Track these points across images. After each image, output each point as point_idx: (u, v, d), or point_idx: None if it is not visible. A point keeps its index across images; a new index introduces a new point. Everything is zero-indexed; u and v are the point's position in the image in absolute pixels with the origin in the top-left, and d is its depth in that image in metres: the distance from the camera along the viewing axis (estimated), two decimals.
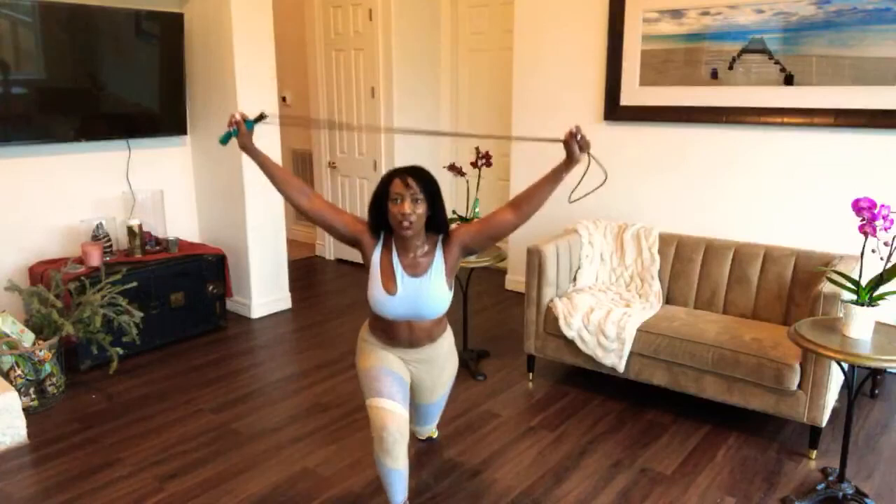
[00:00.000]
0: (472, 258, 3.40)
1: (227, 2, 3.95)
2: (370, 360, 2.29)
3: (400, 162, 5.00)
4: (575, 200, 2.23)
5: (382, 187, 2.13)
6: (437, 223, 2.17)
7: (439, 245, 2.20)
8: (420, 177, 2.09)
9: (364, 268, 2.22)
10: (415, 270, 2.17)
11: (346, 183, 5.57)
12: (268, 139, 4.25)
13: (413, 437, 2.77)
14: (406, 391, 2.27)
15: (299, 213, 2.21)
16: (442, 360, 2.38)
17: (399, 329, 2.24)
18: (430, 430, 2.76)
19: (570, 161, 2.07)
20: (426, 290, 2.16)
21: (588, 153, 2.07)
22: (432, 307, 2.19)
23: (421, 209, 2.08)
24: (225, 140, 2.21)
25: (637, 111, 3.97)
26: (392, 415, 2.12)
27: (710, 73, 3.67)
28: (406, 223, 2.06)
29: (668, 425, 3.01)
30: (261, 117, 2.20)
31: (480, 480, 2.60)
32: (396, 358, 2.30)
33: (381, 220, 2.16)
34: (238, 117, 2.15)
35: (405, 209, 2.05)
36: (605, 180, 2.15)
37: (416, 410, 2.52)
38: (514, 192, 4.70)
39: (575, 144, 2.04)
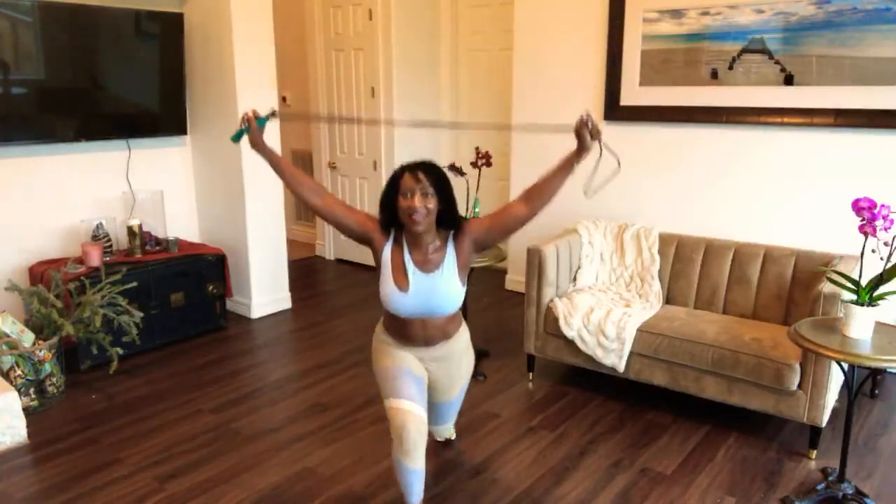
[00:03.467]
0: (472, 257, 3.39)
1: (227, 2, 3.95)
2: (387, 359, 2.27)
3: (400, 161, 4.99)
4: (592, 195, 2.16)
5: (392, 183, 2.10)
6: (448, 219, 2.14)
7: (451, 241, 2.17)
8: (430, 171, 2.07)
9: (371, 269, 2.22)
10: (426, 267, 2.14)
11: (346, 183, 5.57)
12: (268, 139, 4.25)
13: (430, 436, 2.72)
14: (424, 391, 2.25)
15: (311, 211, 2.20)
16: (458, 356, 2.34)
17: (413, 327, 2.21)
18: (448, 429, 2.72)
19: (581, 150, 2.03)
20: (438, 287, 2.13)
21: (600, 141, 2.01)
22: (445, 304, 2.17)
23: (431, 204, 2.05)
24: (237, 137, 2.22)
25: (637, 111, 3.97)
26: (411, 415, 2.12)
27: (710, 73, 3.67)
28: (416, 216, 2.03)
29: (668, 425, 3.01)
30: (272, 114, 2.22)
31: (480, 480, 2.60)
32: (413, 357, 2.28)
33: (392, 216, 2.13)
34: (250, 114, 2.17)
35: (415, 203, 2.03)
36: (618, 169, 2.07)
37: (434, 409, 2.45)
38: (514, 192, 4.70)
39: (586, 132, 1.99)
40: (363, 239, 2.21)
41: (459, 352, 2.35)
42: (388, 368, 2.24)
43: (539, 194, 2.12)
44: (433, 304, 2.15)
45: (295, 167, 2.27)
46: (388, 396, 2.20)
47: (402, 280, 2.13)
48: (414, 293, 2.13)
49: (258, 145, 2.20)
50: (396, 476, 2.20)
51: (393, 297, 2.14)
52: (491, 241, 2.21)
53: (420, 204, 2.03)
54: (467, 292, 3.54)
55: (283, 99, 6.05)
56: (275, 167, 2.21)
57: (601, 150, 2.03)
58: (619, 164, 2.03)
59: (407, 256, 2.14)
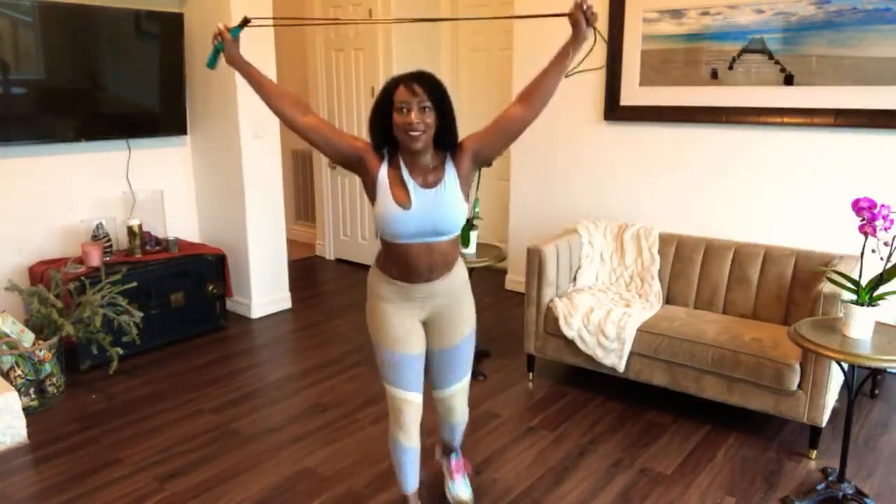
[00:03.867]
0: (472, 258, 3.40)
1: (228, 2, 3.95)
2: (383, 333, 2.12)
3: None
4: (570, 74, 2.05)
5: (385, 96, 1.93)
6: (446, 136, 1.97)
7: (448, 158, 2.01)
8: (428, 82, 1.90)
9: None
10: (427, 182, 1.97)
11: (346, 183, 5.57)
12: (268, 139, 4.26)
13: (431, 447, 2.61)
14: (422, 370, 2.17)
15: (293, 130, 2.01)
16: (459, 293, 2.17)
17: (417, 256, 2.01)
18: (457, 392, 2.32)
19: (576, 37, 1.89)
20: (442, 201, 1.96)
21: (594, 27, 1.91)
22: (450, 220, 1.99)
23: (430, 118, 1.89)
24: (212, 60, 2.04)
25: (637, 111, 3.97)
26: (410, 404, 2.15)
27: (710, 73, 3.67)
28: (414, 133, 1.87)
29: (668, 425, 3.01)
30: (245, 22, 2.05)
31: (480, 480, 2.60)
32: (410, 318, 2.12)
33: (385, 135, 1.97)
34: (222, 27, 1.99)
35: (412, 118, 1.86)
36: (594, 44, 1.99)
37: (437, 361, 2.22)
38: (514, 192, 4.70)
39: (582, 17, 1.88)
40: (354, 162, 2.02)
41: (460, 288, 2.18)
42: (385, 348, 2.12)
43: (535, 91, 1.95)
44: (438, 220, 1.98)
45: (276, 84, 2.08)
46: (386, 381, 2.16)
47: (403, 197, 1.95)
48: (417, 209, 1.95)
49: (235, 60, 2.01)
50: (392, 459, 2.21)
51: (395, 215, 1.95)
52: (491, 151, 2.03)
53: (418, 119, 1.86)
54: None
55: None
56: (253, 82, 2.01)
57: (595, 37, 1.92)
58: (594, 40, 1.93)
59: (406, 175, 1.97)
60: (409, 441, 2.17)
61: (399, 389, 2.13)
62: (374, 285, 2.16)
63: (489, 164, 2.13)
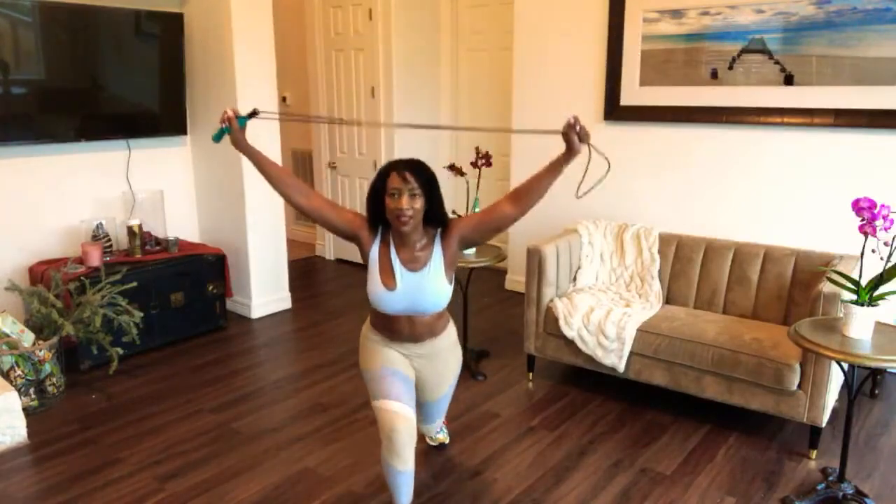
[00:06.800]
0: (472, 257, 3.40)
1: (227, 2, 3.95)
2: (374, 360, 2.26)
3: None
4: (582, 195, 2.14)
5: (379, 181, 2.10)
6: (435, 217, 2.15)
7: (437, 238, 2.18)
8: (418, 170, 2.07)
9: (364, 266, 2.20)
10: (413, 265, 2.15)
11: (346, 183, 5.57)
12: (268, 139, 4.26)
13: (421, 438, 2.73)
14: (412, 391, 2.25)
15: (298, 211, 2.19)
16: (445, 354, 2.34)
17: (400, 324, 2.22)
18: (435, 429, 2.70)
19: (569, 153, 2.03)
20: (425, 285, 2.14)
21: (588, 144, 2.01)
22: (432, 301, 2.17)
23: (419, 204, 2.06)
24: (218, 137, 2.15)
25: (637, 111, 3.97)
26: (400, 416, 2.11)
27: (710, 73, 3.67)
28: (404, 218, 2.04)
29: (668, 425, 3.01)
30: (253, 113, 2.17)
31: (480, 480, 2.60)
32: (399, 355, 2.27)
33: (379, 214, 2.14)
34: (230, 113, 2.11)
35: (402, 204, 2.03)
36: (608, 170, 2.06)
37: (421, 409, 2.46)
38: None
39: (574, 135, 1.99)
40: (351, 237, 2.20)
41: (447, 349, 2.34)
42: (375, 369, 2.23)
43: (527, 195, 2.10)
44: (420, 302, 2.16)
45: (280, 167, 2.23)
46: (376, 397, 2.19)
47: (389, 279, 2.14)
48: (401, 292, 2.14)
49: (240, 144, 2.14)
50: (385, 478, 2.18)
51: (381, 295, 2.15)
52: (478, 239, 2.23)
53: (407, 205, 2.03)
54: (467, 292, 3.56)
55: (283, 99, 6.05)
56: (259, 166, 2.14)
57: (590, 152, 2.02)
58: (608, 165, 2.03)
59: (394, 255, 2.15)
60: (403, 466, 2.13)
61: (389, 401, 2.14)
62: (365, 333, 2.38)
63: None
